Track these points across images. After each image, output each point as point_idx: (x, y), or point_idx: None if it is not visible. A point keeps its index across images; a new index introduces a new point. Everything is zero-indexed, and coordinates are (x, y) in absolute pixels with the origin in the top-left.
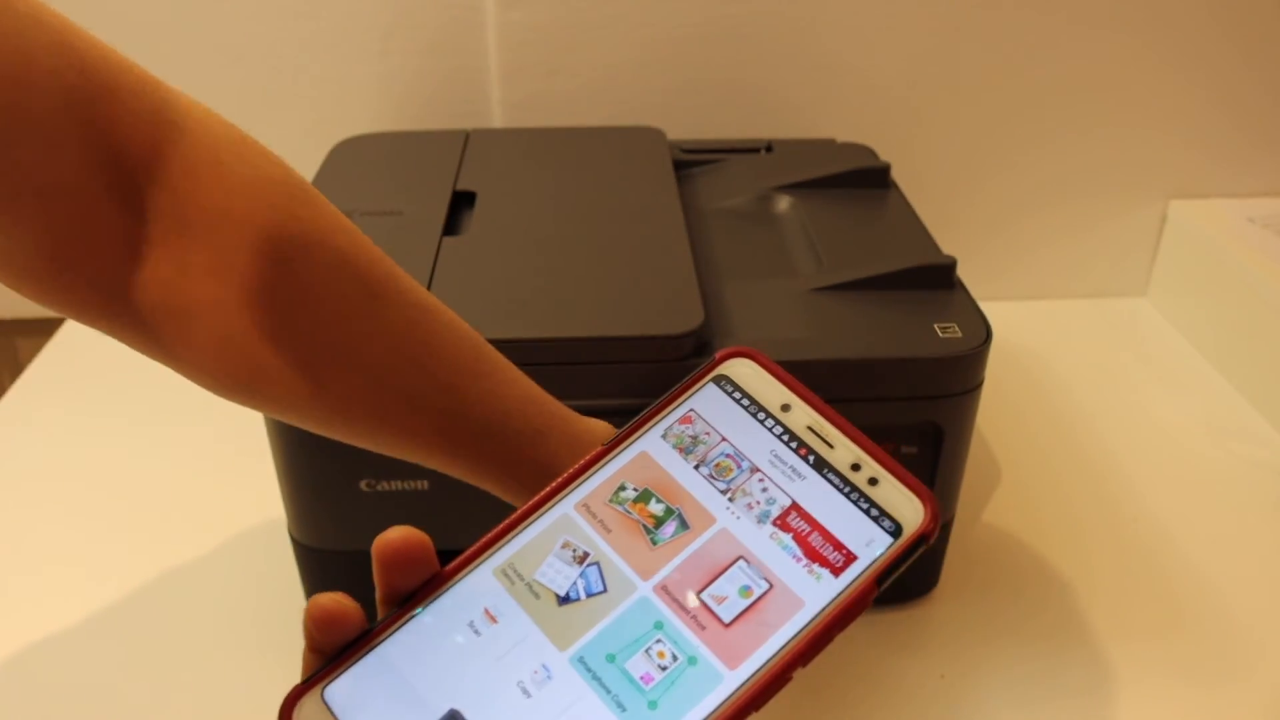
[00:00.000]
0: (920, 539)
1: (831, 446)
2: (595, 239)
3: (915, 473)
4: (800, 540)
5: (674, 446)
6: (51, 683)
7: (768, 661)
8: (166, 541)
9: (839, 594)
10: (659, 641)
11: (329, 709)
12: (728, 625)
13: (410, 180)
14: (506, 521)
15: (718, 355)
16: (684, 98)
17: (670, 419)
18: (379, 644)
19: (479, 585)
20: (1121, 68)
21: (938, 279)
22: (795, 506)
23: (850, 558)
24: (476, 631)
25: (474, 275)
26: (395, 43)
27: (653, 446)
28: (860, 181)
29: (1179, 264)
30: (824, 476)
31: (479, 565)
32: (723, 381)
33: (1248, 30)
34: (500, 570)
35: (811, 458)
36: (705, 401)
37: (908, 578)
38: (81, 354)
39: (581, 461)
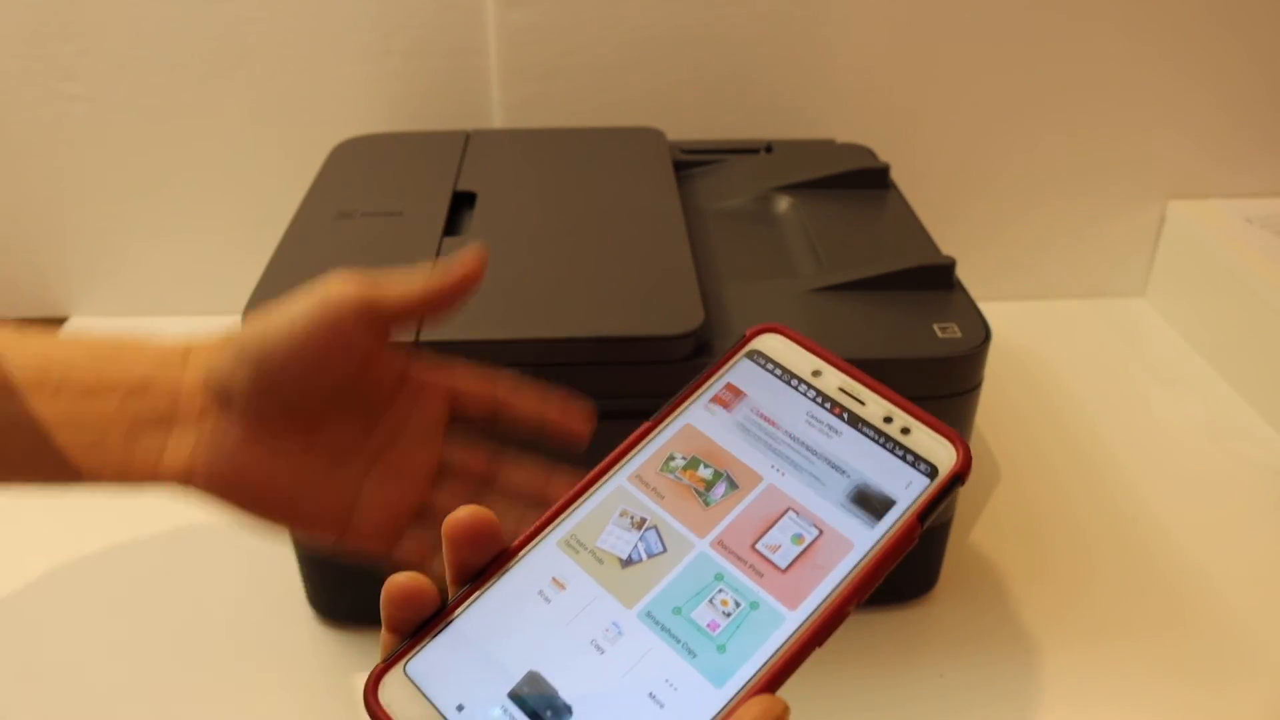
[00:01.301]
0: (955, 478)
1: (863, 403)
2: (595, 239)
3: None
4: (845, 489)
5: (716, 416)
6: (52, 682)
7: (825, 600)
8: (167, 540)
9: (885, 534)
10: (721, 591)
11: (413, 683)
12: (784, 571)
13: (410, 180)
14: (564, 499)
15: (748, 332)
16: (684, 98)
17: (710, 393)
18: (454, 619)
19: (545, 556)
20: (1120, 68)
21: (937, 279)
22: (838, 461)
23: (891, 501)
24: (546, 599)
25: None
26: (395, 43)
27: (695, 418)
28: (860, 182)
29: (1178, 264)
30: (859, 431)
31: (543, 539)
32: (755, 356)
33: (1247, 30)
34: (563, 542)
35: (845, 415)
36: (741, 374)
37: (908, 578)
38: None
39: (629, 438)
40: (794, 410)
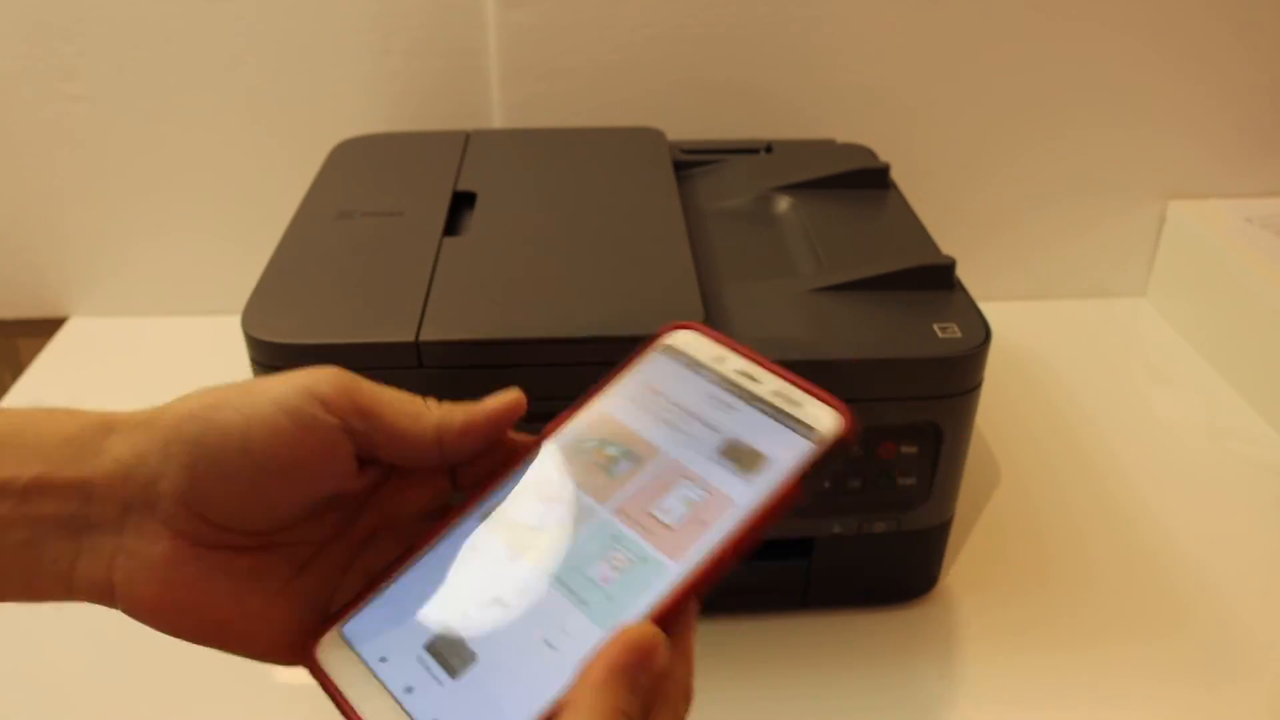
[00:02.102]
0: (839, 442)
1: (759, 382)
2: (595, 239)
3: (915, 472)
4: (734, 454)
5: (627, 403)
6: (51, 682)
7: (706, 552)
8: None
9: (767, 493)
10: (615, 550)
11: (347, 643)
12: (673, 529)
13: (410, 180)
14: (489, 482)
15: (660, 329)
16: (684, 98)
17: (623, 383)
18: (384, 588)
19: (467, 530)
20: (1121, 68)
21: (937, 279)
22: (729, 432)
23: (773, 463)
24: (464, 565)
25: (474, 275)
26: (395, 43)
27: (608, 406)
28: (860, 182)
29: (1178, 264)
30: (753, 406)
31: (467, 515)
32: (667, 350)
33: (1247, 30)
34: (484, 516)
35: (742, 393)
36: (652, 369)
37: (908, 578)
38: (82, 354)
39: (546, 428)
40: (696, 392)
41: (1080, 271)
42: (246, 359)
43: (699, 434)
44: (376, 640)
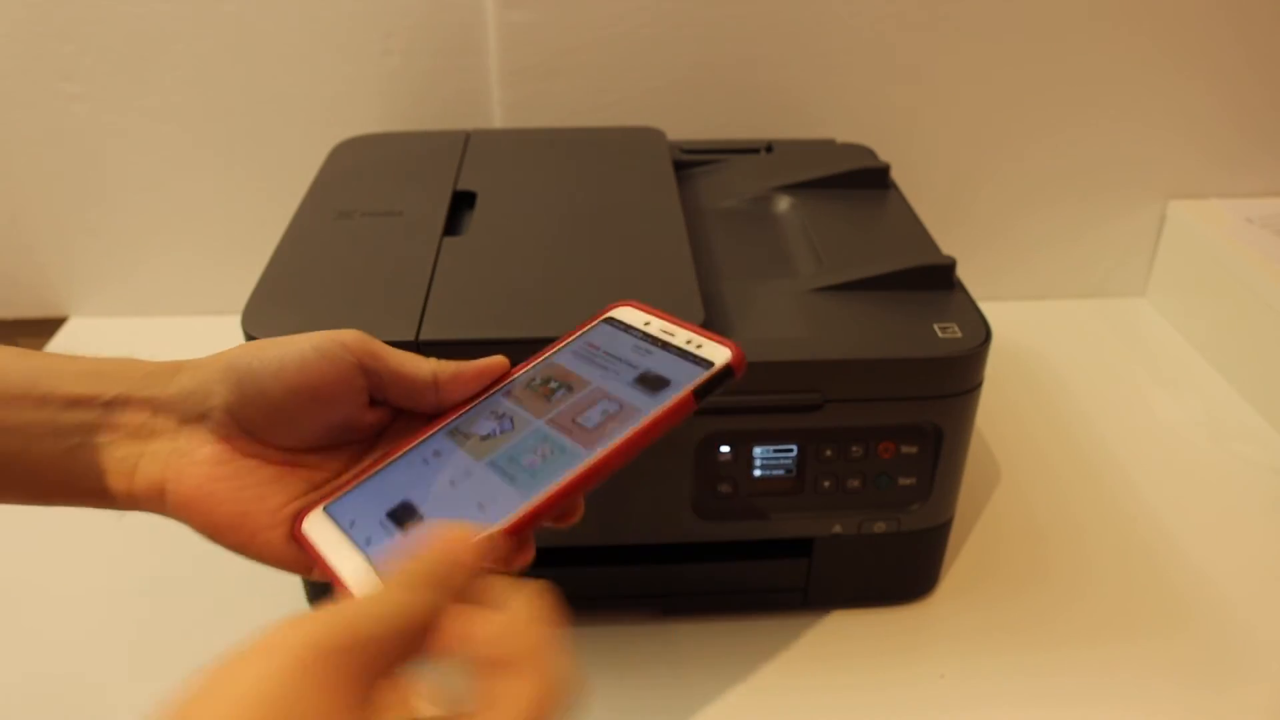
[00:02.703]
0: (727, 368)
1: (673, 335)
2: (595, 239)
3: (914, 472)
4: (644, 381)
5: (570, 356)
6: (50, 681)
7: (611, 443)
8: (167, 540)
9: (664, 403)
10: (544, 445)
11: (327, 516)
12: (589, 429)
13: (410, 180)
14: (458, 408)
15: (607, 305)
16: (684, 98)
17: (570, 342)
18: (362, 480)
19: (434, 439)
20: (1121, 69)
21: (937, 279)
22: (645, 368)
23: (672, 383)
24: (426, 462)
25: (474, 275)
26: (395, 43)
27: (556, 358)
28: (860, 181)
29: (1178, 264)
30: (665, 350)
31: (436, 431)
32: (608, 320)
33: (1247, 30)
34: (449, 431)
35: (659, 342)
36: (594, 333)
37: (908, 578)
38: (82, 354)
39: (504, 373)
40: (624, 345)
41: (1080, 271)
42: None
43: (621, 371)
44: (350, 512)
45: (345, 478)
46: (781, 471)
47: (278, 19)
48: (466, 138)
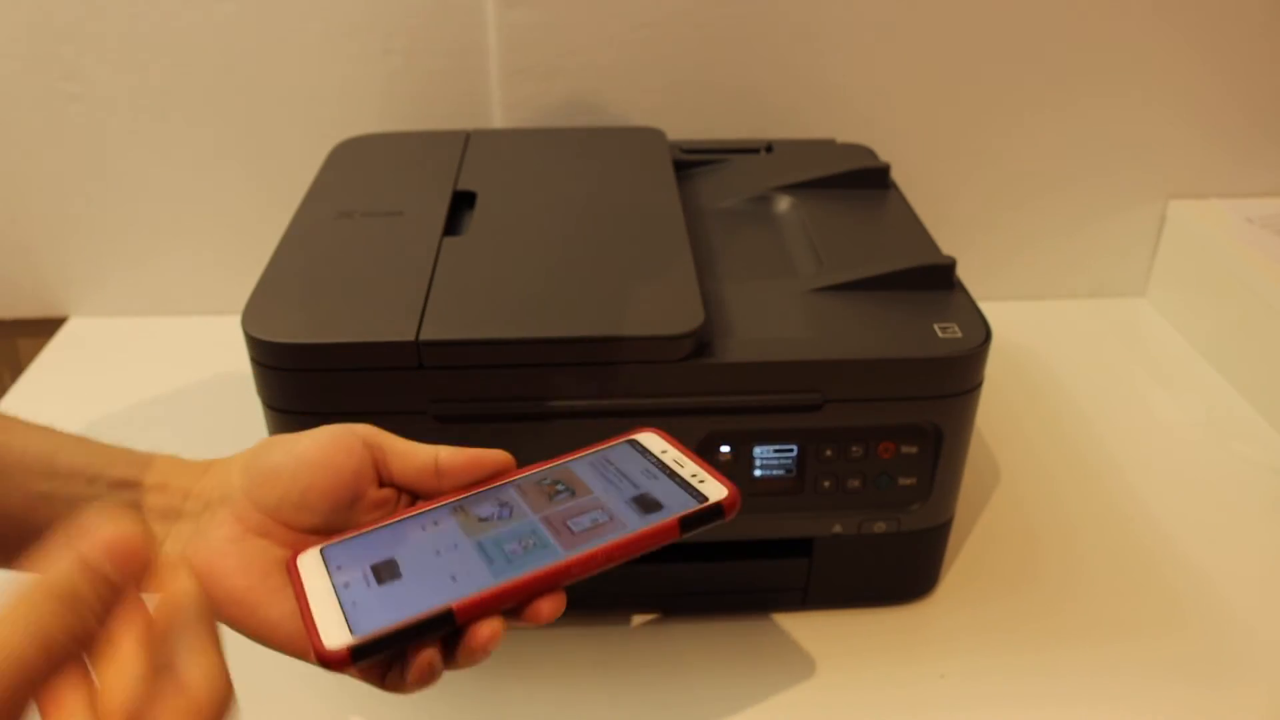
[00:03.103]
0: (717, 506)
1: (682, 466)
2: (595, 239)
3: (914, 472)
4: (640, 501)
5: (587, 465)
6: None
7: (587, 549)
8: None
9: (650, 524)
10: (530, 537)
11: (321, 557)
12: (574, 533)
13: (410, 180)
14: (467, 489)
15: (634, 428)
16: (684, 98)
17: (586, 455)
18: (362, 534)
19: (437, 512)
20: (1121, 68)
21: (937, 279)
22: (645, 490)
23: (663, 507)
24: (423, 529)
25: (474, 275)
26: (395, 43)
27: (573, 464)
28: (860, 181)
29: (1178, 264)
30: (670, 478)
31: (441, 505)
32: (630, 442)
33: (1250, 30)
34: (453, 507)
35: (666, 470)
36: (614, 451)
37: (908, 578)
38: (82, 354)
39: (527, 467)
40: (635, 466)
41: (1080, 271)
42: (246, 359)
43: (623, 488)
44: (340, 558)
45: (352, 529)
46: (781, 471)
47: (278, 19)
48: (467, 138)
